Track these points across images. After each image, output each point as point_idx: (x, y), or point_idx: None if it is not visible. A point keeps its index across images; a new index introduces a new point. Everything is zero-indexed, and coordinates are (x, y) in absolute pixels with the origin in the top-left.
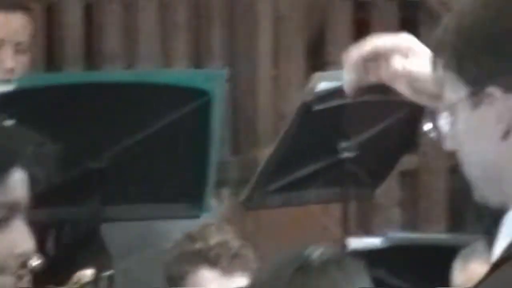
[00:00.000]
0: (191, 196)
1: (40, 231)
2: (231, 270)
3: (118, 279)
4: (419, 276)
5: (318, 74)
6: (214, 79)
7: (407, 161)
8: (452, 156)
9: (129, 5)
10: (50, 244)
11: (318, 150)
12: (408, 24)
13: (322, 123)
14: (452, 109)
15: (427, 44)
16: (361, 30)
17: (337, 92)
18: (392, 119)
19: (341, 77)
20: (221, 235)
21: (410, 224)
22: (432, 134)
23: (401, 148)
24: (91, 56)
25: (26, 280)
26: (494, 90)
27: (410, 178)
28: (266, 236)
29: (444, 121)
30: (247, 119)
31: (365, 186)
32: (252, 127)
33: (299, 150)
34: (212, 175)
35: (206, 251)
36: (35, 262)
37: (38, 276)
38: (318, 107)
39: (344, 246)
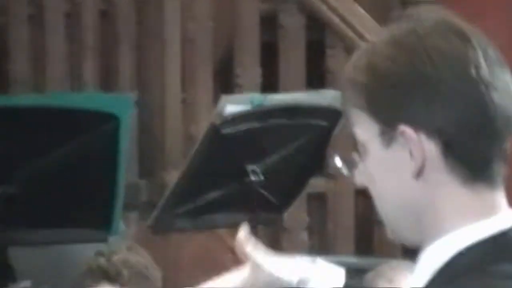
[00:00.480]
0: (99, 220)
1: None
2: (133, 287)
3: None
4: None
5: (225, 97)
6: (122, 103)
7: (315, 184)
8: None
9: (37, 28)
10: None
11: (227, 173)
12: (316, 46)
13: (230, 146)
14: (364, 146)
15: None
16: (269, 53)
17: (245, 116)
18: (299, 142)
19: (247, 101)
20: (126, 254)
21: (318, 247)
22: (343, 170)
23: (309, 171)
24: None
25: None
26: (405, 129)
27: (317, 201)
28: (175, 261)
29: (356, 158)
30: (155, 142)
31: (273, 209)
32: (161, 150)
33: (208, 173)
34: (120, 198)
35: (107, 267)
36: None
37: None
38: (226, 130)
39: None
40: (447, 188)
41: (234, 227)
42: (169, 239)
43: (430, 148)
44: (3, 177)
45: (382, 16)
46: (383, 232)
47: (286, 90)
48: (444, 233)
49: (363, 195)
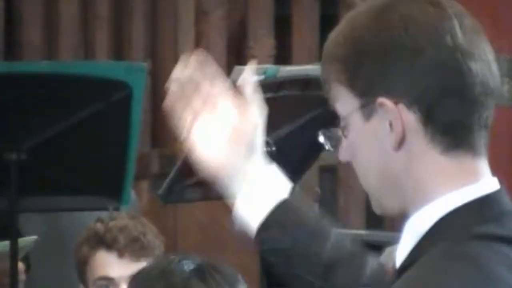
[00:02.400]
0: (110, 189)
1: None
2: (130, 254)
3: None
4: None
5: (238, 68)
6: (134, 71)
7: (326, 157)
8: None
9: None
10: None
11: None
12: (329, 21)
13: None
14: (345, 121)
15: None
16: (282, 26)
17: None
18: (311, 114)
19: (261, 72)
20: (125, 221)
21: (330, 219)
22: (328, 146)
23: (320, 144)
24: (11, 47)
25: None
26: (384, 100)
27: (329, 173)
28: (186, 229)
29: (339, 133)
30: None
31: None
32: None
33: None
34: (131, 168)
35: (104, 233)
36: None
37: None
38: None
39: None
40: (428, 157)
41: None
42: (178, 208)
43: (410, 118)
44: (15, 144)
45: None
46: None
47: (299, 63)
48: (428, 201)
49: None
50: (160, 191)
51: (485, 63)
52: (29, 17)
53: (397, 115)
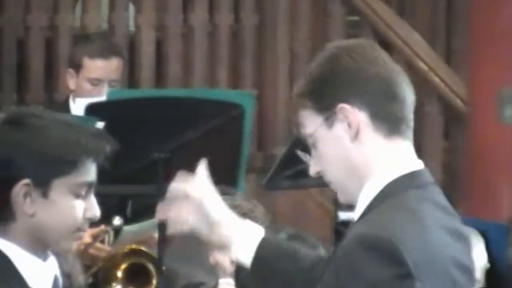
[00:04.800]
0: (229, 179)
1: (118, 202)
2: None
3: None
4: None
5: None
6: (246, 97)
7: None
8: None
9: (187, 44)
10: (128, 211)
11: None
12: None
13: None
14: (313, 138)
15: None
16: None
17: None
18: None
19: None
20: (239, 201)
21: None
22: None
23: None
24: (159, 78)
25: (109, 235)
26: (343, 105)
27: None
28: (282, 209)
29: (306, 157)
30: (269, 126)
31: None
32: (272, 131)
33: (305, 148)
34: (243, 164)
35: None
36: (117, 222)
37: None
38: None
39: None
40: (375, 143)
41: (322, 187)
42: (276, 194)
43: (361, 116)
44: (161, 147)
45: None
46: None
47: None
48: (376, 174)
49: None
50: (264, 181)
51: (402, 74)
52: (170, 58)
53: (353, 113)
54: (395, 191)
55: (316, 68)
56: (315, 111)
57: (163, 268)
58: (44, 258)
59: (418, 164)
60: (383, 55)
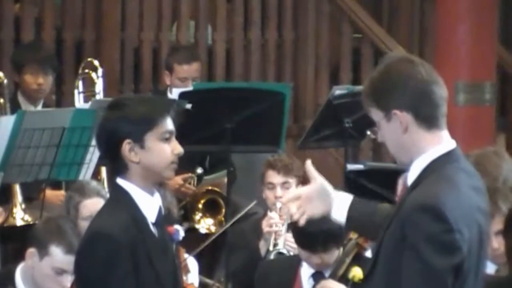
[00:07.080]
0: (275, 142)
1: (199, 158)
2: (283, 171)
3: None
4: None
5: (335, 86)
6: (285, 87)
7: None
8: None
9: (247, 49)
10: (206, 163)
11: (335, 123)
12: None
13: (340, 112)
14: (378, 123)
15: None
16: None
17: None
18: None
19: (344, 88)
20: (282, 156)
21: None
22: (374, 137)
23: None
24: (228, 75)
25: (194, 180)
26: (396, 111)
27: None
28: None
29: (373, 132)
30: (301, 106)
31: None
32: (304, 109)
33: (326, 122)
34: (284, 132)
35: (273, 161)
36: (199, 170)
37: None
38: (336, 101)
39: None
40: (419, 135)
41: (338, 147)
42: (307, 152)
43: (408, 117)
44: (230, 119)
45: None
46: None
47: None
48: (422, 154)
49: None
50: (299, 142)
51: (441, 84)
52: (237, 59)
53: (402, 116)
54: (437, 166)
55: (376, 74)
56: (377, 109)
57: (230, 202)
58: (152, 193)
59: (451, 144)
60: (425, 67)
